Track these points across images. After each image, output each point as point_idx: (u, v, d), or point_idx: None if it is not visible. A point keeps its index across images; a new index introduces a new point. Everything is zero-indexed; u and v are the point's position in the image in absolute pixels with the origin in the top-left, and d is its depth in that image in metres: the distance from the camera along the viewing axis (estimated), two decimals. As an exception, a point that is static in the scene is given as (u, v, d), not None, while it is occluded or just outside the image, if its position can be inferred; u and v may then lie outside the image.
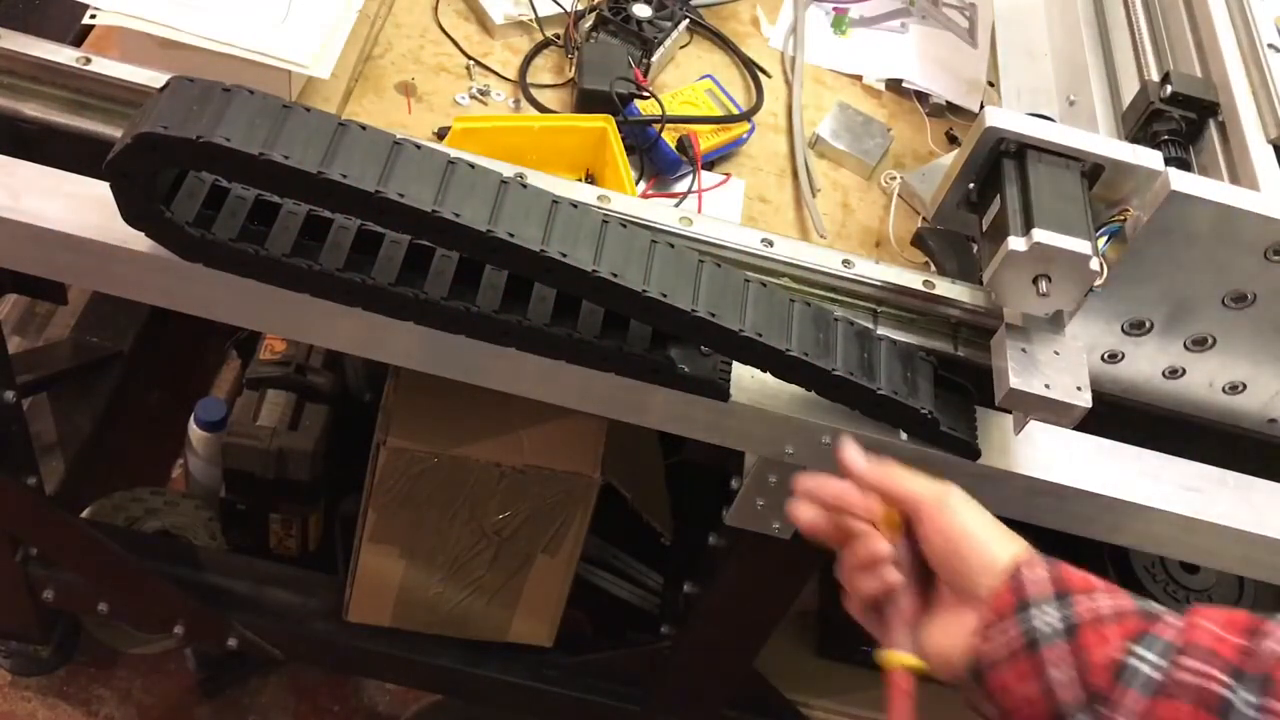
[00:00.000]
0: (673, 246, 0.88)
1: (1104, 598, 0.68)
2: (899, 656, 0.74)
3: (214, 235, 0.87)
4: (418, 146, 0.82)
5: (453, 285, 0.90)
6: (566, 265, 0.82)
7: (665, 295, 0.84)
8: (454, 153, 0.84)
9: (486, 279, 0.91)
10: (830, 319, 0.91)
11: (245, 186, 0.89)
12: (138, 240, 0.89)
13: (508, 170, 0.89)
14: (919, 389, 0.91)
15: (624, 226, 0.87)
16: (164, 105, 0.79)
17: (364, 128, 0.81)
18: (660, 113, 1.13)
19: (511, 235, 0.81)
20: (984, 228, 0.98)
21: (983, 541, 0.72)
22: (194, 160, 0.82)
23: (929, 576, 0.74)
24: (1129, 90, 1.11)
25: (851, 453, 0.76)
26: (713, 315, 0.85)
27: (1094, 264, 0.90)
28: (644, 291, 0.83)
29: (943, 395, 0.93)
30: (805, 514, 0.76)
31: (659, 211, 0.97)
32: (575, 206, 0.85)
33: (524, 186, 0.84)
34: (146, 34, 0.97)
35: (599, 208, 0.94)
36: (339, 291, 0.89)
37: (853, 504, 0.75)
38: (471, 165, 0.83)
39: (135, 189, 0.84)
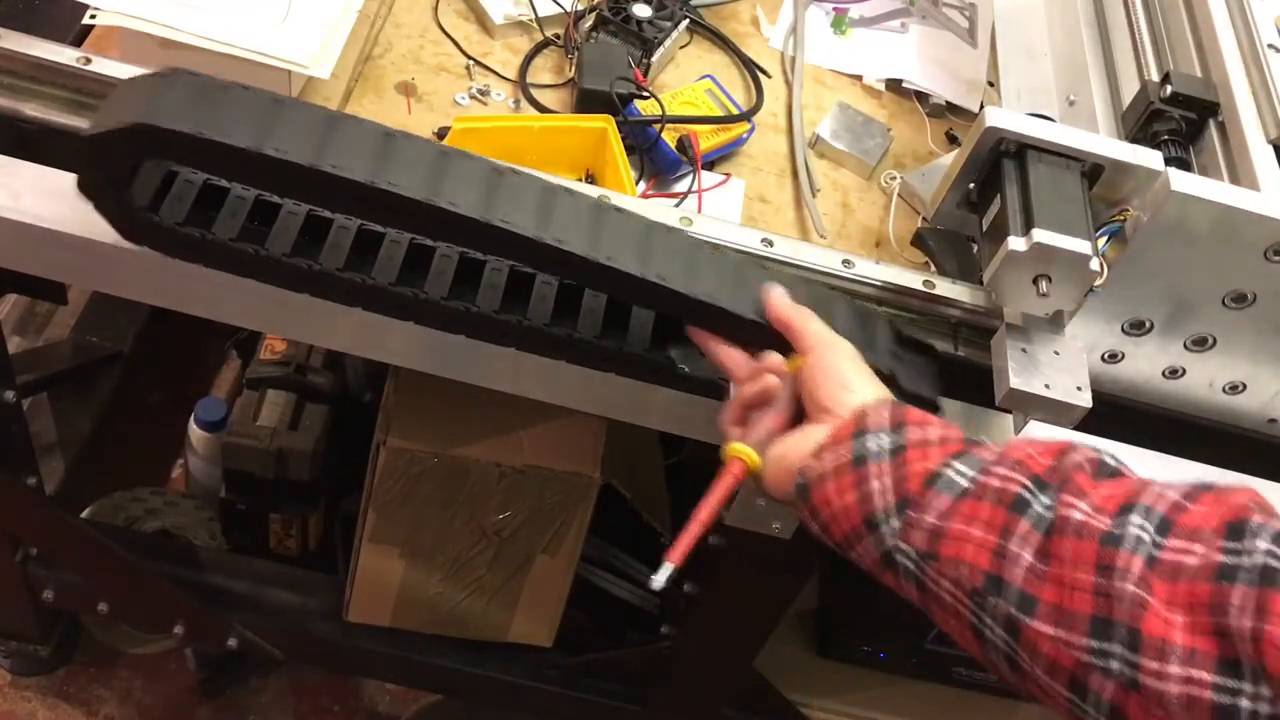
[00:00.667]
0: (670, 231, 0.87)
1: (937, 429, 0.72)
2: (743, 449, 0.78)
3: (214, 235, 0.87)
4: (408, 137, 0.81)
5: (453, 285, 0.90)
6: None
7: (663, 279, 0.83)
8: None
9: (486, 279, 0.91)
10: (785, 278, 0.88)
11: (245, 187, 0.89)
12: (138, 240, 0.89)
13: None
14: (876, 346, 0.89)
15: (619, 212, 0.85)
16: (163, 97, 0.78)
17: (355, 120, 0.80)
18: (660, 113, 1.13)
19: (505, 221, 0.79)
20: (984, 228, 0.98)
21: (850, 376, 0.78)
22: (187, 156, 0.81)
23: (801, 418, 0.79)
24: (1129, 90, 1.11)
25: (778, 291, 0.84)
26: (661, 279, 0.83)
27: (1094, 264, 0.90)
28: (643, 276, 0.82)
29: (904, 355, 0.91)
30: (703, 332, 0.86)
31: (659, 211, 0.97)
32: (580, 198, 0.84)
33: (516, 174, 0.83)
34: (146, 34, 0.97)
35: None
36: (339, 291, 0.89)
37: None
38: (462, 155, 0.82)
39: (118, 193, 0.83)
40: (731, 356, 0.85)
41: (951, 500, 0.67)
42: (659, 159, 1.13)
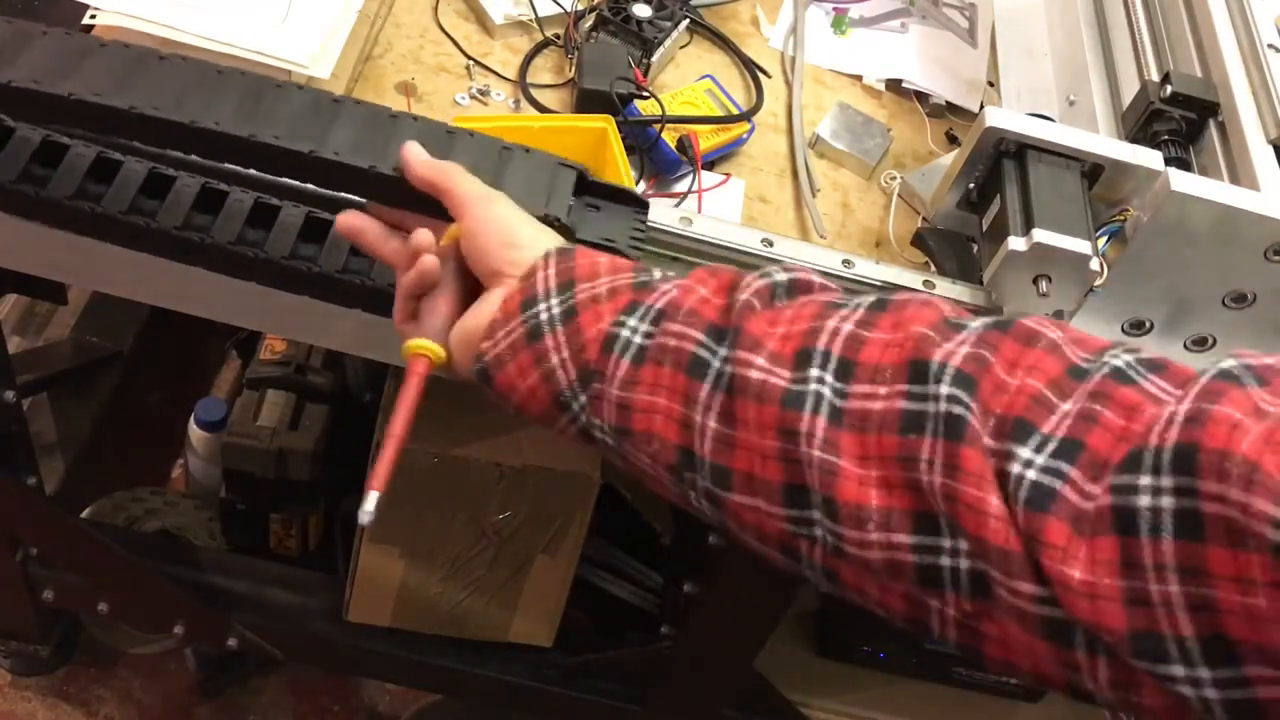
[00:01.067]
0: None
1: (605, 280, 0.66)
2: (421, 343, 0.72)
3: (212, 238, 0.87)
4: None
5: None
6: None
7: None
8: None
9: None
10: (438, 129, 0.80)
11: (245, 190, 0.89)
12: (137, 240, 0.89)
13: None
14: (553, 197, 0.78)
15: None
16: None
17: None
18: (660, 113, 1.13)
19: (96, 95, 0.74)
20: (984, 228, 0.99)
21: (515, 230, 0.71)
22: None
23: (477, 290, 0.72)
24: (1129, 90, 1.11)
25: (414, 149, 0.74)
26: (278, 140, 0.75)
27: (1094, 264, 0.90)
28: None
29: (595, 202, 0.82)
30: (348, 216, 0.76)
31: (659, 211, 0.97)
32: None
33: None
34: (146, 34, 0.97)
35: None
36: (338, 293, 0.89)
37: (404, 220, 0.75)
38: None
39: None
40: (387, 247, 0.76)
41: (631, 365, 0.63)
42: (659, 159, 1.13)
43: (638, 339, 0.64)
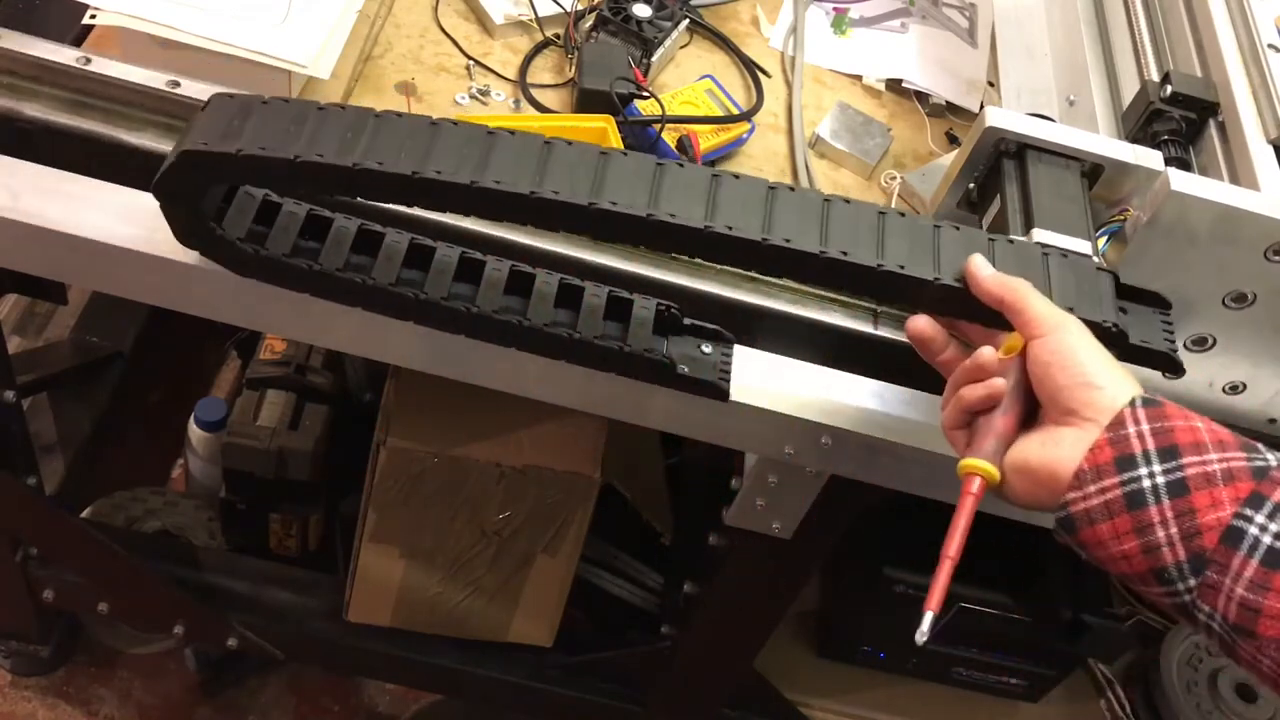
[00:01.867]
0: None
1: (1213, 453, 0.65)
2: (978, 463, 0.72)
3: (222, 232, 0.87)
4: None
5: (453, 285, 0.90)
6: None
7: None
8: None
9: (487, 278, 0.91)
10: (980, 238, 0.81)
11: (249, 186, 0.89)
12: (137, 240, 0.89)
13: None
14: (1101, 303, 0.79)
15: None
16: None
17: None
18: (660, 113, 1.13)
19: (672, 215, 0.76)
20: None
21: (1091, 367, 0.70)
22: (240, 173, 0.82)
23: (1034, 409, 0.72)
24: (1129, 90, 1.11)
25: (981, 262, 0.75)
26: (845, 254, 0.76)
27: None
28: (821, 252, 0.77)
29: (1129, 306, 0.83)
30: (920, 321, 0.77)
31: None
32: (746, 183, 0.80)
33: (681, 167, 0.79)
34: (146, 34, 0.98)
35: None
36: (339, 291, 0.89)
37: (971, 332, 0.76)
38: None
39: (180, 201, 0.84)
40: (945, 354, 0.78)
41: (1262, 568, 0.61)
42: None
43: (1268, 539, 0.62)
